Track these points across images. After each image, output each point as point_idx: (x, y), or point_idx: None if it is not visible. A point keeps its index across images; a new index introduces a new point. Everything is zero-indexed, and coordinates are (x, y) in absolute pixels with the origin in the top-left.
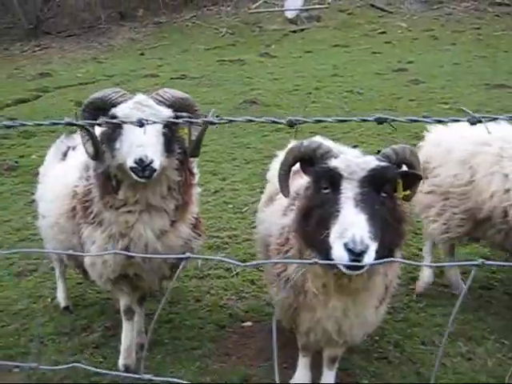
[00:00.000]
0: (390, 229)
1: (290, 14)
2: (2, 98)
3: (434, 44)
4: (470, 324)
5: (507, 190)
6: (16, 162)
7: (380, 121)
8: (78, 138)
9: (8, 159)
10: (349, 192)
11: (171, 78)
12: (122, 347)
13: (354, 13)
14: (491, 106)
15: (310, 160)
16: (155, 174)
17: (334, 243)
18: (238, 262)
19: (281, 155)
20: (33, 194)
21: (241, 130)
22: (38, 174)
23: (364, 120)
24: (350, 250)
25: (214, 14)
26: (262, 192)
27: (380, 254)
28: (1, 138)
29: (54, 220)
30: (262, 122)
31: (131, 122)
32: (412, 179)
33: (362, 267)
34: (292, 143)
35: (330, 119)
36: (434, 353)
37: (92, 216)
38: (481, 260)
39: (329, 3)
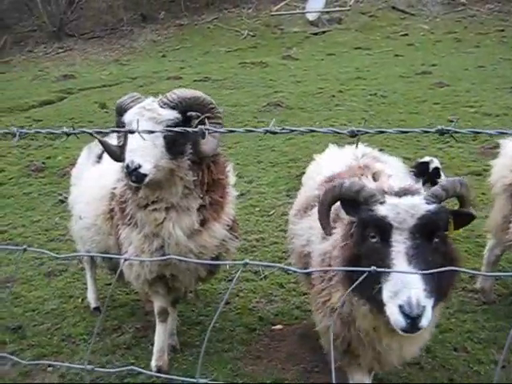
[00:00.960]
0: (444, 273)
1: (311, 17)
2: (28, 100)
3: (457, 46)
4: (503, 331)
5: None
6: (43, 163)
7: (442, 132)
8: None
9: (35, 160)
10: (400, 245)
11: (194, 81)
12: (155, 348)
13: (376, 15)
14: None
15: (351, 200)
16: (147, 178)
17: (387, 302)
18: (298, 270)
19: (318, 158)
20: (60, 194)
21: None
22: (64, 175)
23: (426, 132)
24: (405, 314)
25: (235, 16)
26: (288, 195)
27: (435, 302)
28: (28, 140)
29: (91, 221)
30: (325, 133)
31: (123, 130)
32: (465, 218)
33: (418, 330)
34: (331, 148)
35: (390, 130)
36: (467, 359)
37: (128, 217)
38: None
39: (350, 6)
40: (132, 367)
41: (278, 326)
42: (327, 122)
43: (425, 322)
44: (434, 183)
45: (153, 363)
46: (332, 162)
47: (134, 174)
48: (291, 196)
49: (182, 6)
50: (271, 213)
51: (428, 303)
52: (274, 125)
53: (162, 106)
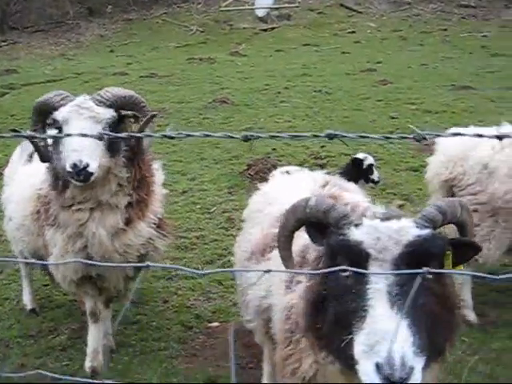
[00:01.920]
0: (440, 324)
1: (260, 13)
2: None
3: (402, 44)
4: None
5: None
6: None
7: (330, 137)
8: None
9: None
10: (380, 282)
11: (140, 77)
12: (89, 349)
13: (324, 12)
14: (456, 107)
15: (319, 224)
16: (92, 177)
17: (360, 359)
18: (195, 271)
19: (265, 188)
20: None
21: (210, 128)
22: (1, 174)
23: (316, 136)
24: (385, 377)
25: (184, 12)
26: (230, 193)
27: (427, 362)
28: None
29: (20, 222)
30: (219, 137)
31: (82, 135)
32: (468, 250)
33: None
34: (276, 173)
35: (283, 135)
36: None
37: (52, 218)
38: None
39: (299, 2)
40: (39, 371)
41: (215, 324)
42: (272, 118)
43: None
44: (367, 180)
45: (87, 364)
46: (289, 192)
47: (82, 174)
48: (233, 193)
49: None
50: (212, 210)
51: (417, 363)
52: (170, 129)
53: (97, 105)
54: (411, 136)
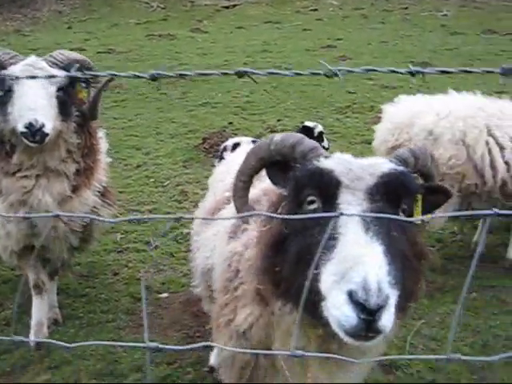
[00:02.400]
0: (409, 267)
1: None
2: None
3: (363, 22)
4: None
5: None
6: None
7: (240, 74)
8: None
9: None
10: (352, 209)
11: (98, 52)
12: (33, 322)
13: None
14: (413, 83)
15: (284, 164)
16: (47, 138)
17: (329, 292)
18: (107, 220)
19: (229, 157)
20: None
21: (166, 104)
22: None
23: (225, 73)
24: (358, 305)
25: None
26: (184, 166)
27: (398, 304)
28: None
29: None
30: (126, 77)
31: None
32: (436, 198)
33: (376, 336)
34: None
35: (190, 73)
36: None
37: None
38: (494, 210)
39: None
40: None
41: (164, 295)
42: (230, 93)
43: (386, 322)
44: None
45: (31, 337)
46: None
47: (38, 134)
48: (187, 167)
49: None
50: (166, 184)
51: (392, 295)
52: (74, 70)
53: (50, 66)
54: (322, 72)
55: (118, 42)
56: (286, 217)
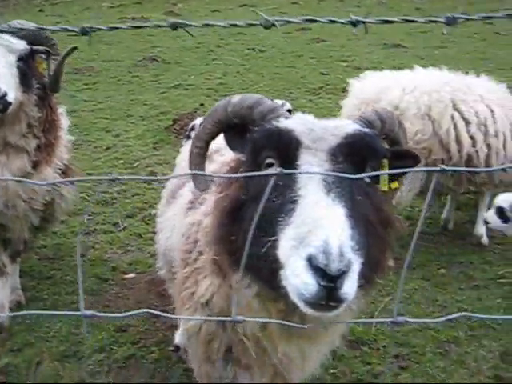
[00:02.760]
0: (374, 237)
1: None
2: None
3: (339, 6)
4: None
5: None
6: None
7: (174, 26)
8: None
9: None
10: (313, 169)
11: (69, 35)
12: None
13: None
14: (386, 64)
15: (242, 128)
16: (10, 107)
17: (287, 258)
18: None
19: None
20: None
21: (139, 87)
22: None
23: (158, 26)
24: (319, 271)
25: None
26: (155, 148)
27: (362, 276)
28: None
29: None
30: (55, 31)
31: None
32: (404, 163)
33: (338, 306)
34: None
35: (123, 26)
36: None
37: None
38: (441, 166)
39: None
40: None
41: (131, 275)
42: (202, 75)
43: (349, 290)
44: None
45: None
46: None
47: (1, 102)
48: (157, 148)
49: None
50: (135, 165)
51: (355, 261)
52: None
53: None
54: (258, 23)
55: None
56: (225, 175)
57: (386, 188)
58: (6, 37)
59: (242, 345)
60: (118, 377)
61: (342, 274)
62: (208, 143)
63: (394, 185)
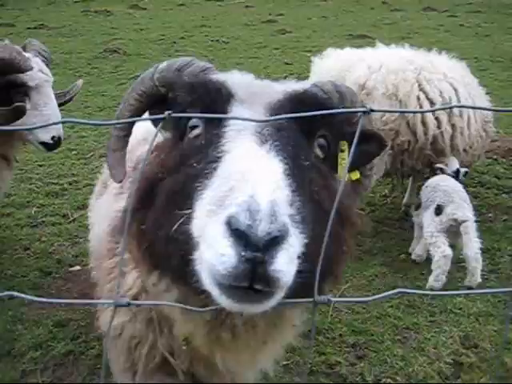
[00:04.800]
0: (323, 226)
1: None
2: None
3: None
4: None
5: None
6: None
7: None
8: None
9: None
10: (245, 130)
11: (28, 28)
12: None
13: None
14: None
15: (171, 102)
16: None
17: (202, 229)
18: None
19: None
20: None
21: (98, 78)
22: None
23: None
24: (240, 237)
25: None
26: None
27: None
28: None
29: None
30: None
31: None
32: (368, 147)
33: (269, 293)
34: None
35: None
36: None
37: None
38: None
39: None
40: None
41: (76, 268)
42: None
43: (284, 267)
44: None
45: None
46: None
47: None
48: None
49: None
50: (89, 156)
51: (293, 231)
52: None
53: None
54: None
55: (50, 18)
56: (112, 122)
57: (343, 177)
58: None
59: (179, 351)
60: (55, 375)
61: (274, 242)
62: (129, 131)
63: (355, 176)
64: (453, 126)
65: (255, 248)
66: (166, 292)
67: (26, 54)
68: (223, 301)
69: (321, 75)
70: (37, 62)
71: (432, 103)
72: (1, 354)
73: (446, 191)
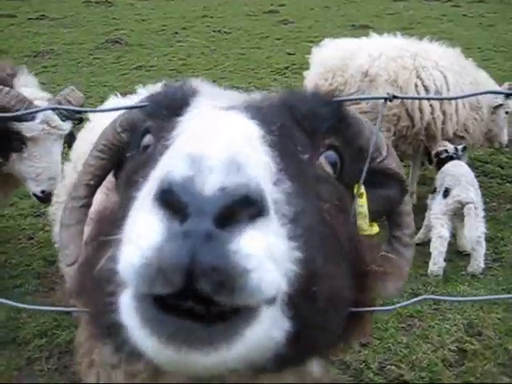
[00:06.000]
0: (333, 253)
1: None
2: None
3: None
4: None
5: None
6: None
7: None
8: None
9: None
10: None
11: (29, 19)
12: None
13: None
14: None
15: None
16: None
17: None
18: None
19: (94, 121)
20: None
21: (100, 68)
22: None
23: None
24: (175, 202)
25: None
26: None
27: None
28: None
29: None
30: None
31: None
32: (389, 193)
33: (246, 313)
34: None
35: None
36: None
37: None
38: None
39: None
40: None
41: None
42: (166, 57)
43: (257, 255)
44: None
45: None
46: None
47: None
48: None
49: None
50: None
51: (277, 223)
52: None
53: None
54: None
55: (52, 9)
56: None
57: (364, 227)
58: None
59: None
60: (60, 362)
61: (237, 209)
62: (93, 189)
63: (374, 228)
64: (444, 112)
65: (200, 217)
66: (114, 369)
67: (36, 102)
68: (144, 343)
69: (322, 65)
70: (45, 114)
71: (427, 90)
72: (6, 342)
73: (454, 175)
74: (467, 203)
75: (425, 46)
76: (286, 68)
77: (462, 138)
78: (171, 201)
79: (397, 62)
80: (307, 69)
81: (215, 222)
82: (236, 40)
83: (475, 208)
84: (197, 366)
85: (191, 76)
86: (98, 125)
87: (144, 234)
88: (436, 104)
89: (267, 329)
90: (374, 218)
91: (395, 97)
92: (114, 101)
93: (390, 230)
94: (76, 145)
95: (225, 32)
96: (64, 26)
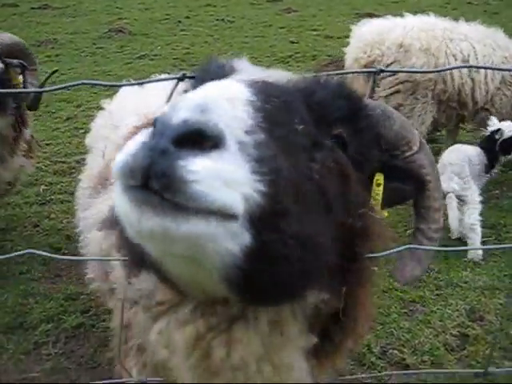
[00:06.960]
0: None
1: None
2: None
3: None
4: None
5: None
6: None
7: None
8: None
9: None
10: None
11: (32, 8)
12: None
13: None
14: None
15: None
16: None
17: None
18: None
19: (109, 106)
20: None
21: (103, 58)
22: None
23: None
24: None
25: None
26: None
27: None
28: None
29: None
30: None
31: None
32: (404, 187)
33: (177, 203)
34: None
35: None
36: None
37: None
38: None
39: None
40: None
41: None
42: (169, 46)
43: (201, 172)
44: None
45: None
46: (138, 108)
47: None
48: None
49: None
50: None
51: (237, 160)
52: None
53: None
54: None
55: None
56: None
57: (377, 206)
58: None
59: None
60: (66, 346)
61: (192, 139)
62: None
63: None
64: (472, 80)
65: (164, 137)
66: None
67: None
68: (121, 204)
69: (361, 39)
70: None
71: (455, 59)
72: (14, 327)
73: (443, 163)
74: (448, 193)
75: (453, 24)
76: (290, 57)
77: (489, 112)
78: (154, 128)
79: (428, 34)
80: (311, 57)
81: (173, 143)
82: (239, 29)
83: (462, 196)
84: (156, 224)
85: (195, 65)
86: (116, 110)
87: (130, 146)
88: (464, 70)
89: (220, 236)
90: (383, 205)
91: (382, 70)
92: (127, 89)
93: (415, 221)
94: (91, 136)
95: (228, 21)
96: (67, 15)
